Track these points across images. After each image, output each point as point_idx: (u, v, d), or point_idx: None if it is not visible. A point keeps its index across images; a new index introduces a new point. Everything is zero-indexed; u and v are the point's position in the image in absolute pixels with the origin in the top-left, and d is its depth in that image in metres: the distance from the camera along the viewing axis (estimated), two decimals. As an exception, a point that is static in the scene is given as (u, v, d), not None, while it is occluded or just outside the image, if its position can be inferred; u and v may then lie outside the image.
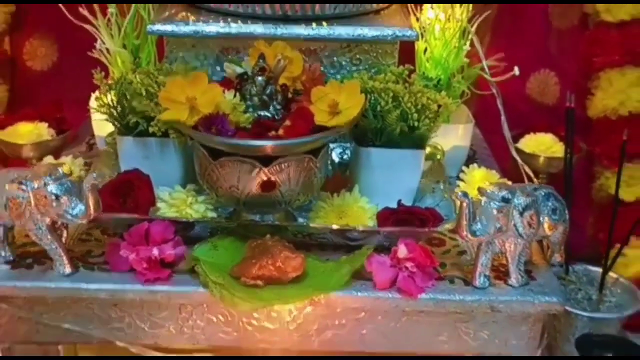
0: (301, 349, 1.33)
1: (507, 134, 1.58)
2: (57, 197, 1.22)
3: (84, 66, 1.67)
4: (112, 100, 1.45)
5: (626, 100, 1.77)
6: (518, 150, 1.70)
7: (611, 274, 1.67)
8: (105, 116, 1.48)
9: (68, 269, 1.29)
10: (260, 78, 1.35)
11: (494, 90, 1.55)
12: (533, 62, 1.91)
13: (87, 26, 1.59)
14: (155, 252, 1.28)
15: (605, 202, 1.82)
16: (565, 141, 1.66)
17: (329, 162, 1.53)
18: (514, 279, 1.31)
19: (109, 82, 1.46)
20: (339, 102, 1.32)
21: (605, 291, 1.64)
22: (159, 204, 1.40)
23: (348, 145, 1.59)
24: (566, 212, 1.33)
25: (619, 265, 1.75)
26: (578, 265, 1.70)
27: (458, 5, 1.60)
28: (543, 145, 1.75)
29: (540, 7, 1.89)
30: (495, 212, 1.25)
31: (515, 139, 1.75)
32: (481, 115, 1.77)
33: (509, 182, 1.42)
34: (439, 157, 1.58)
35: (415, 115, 1.41)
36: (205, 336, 1.34)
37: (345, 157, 1.60)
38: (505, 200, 1.25)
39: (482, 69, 1.57)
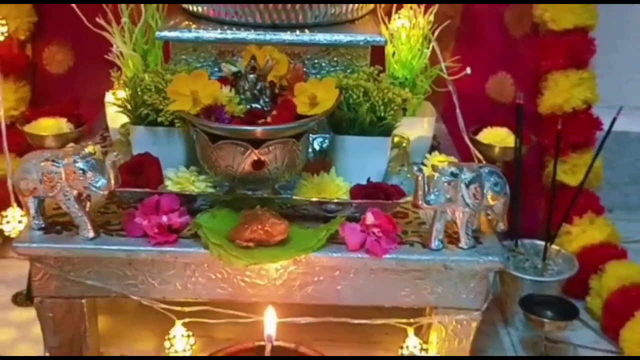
0: (286, 302, 1.58)
1: (461, 122, 1.84)
2: (84, 172, 1.48)
3: (97, 70, 1.95)
4: (125, 95, 1.71)
5: (570, 99, 2.03)
6: (477, 142, 1.96)
7: (554, 246, 1.93)
8: (119, 109, 1.74)
9: (91, 234, 1.54)
10: (251, 76, 1.61)
11: (450, 87, 1.82)
12: (491, 66, 2.16)
13: (104, 33, 1.84)
14: (164, 219, 1.53)
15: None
16: (516, 132, 1.92)
17: (311, 149, 1.78)
18: (463, 242, 1.57)
19: (124, 79, 1.72)
20: (317, 95, 1.58)
21: (548, 261, 1.90)
22: (167, 182, 1.66)
23: (327, 135, 1.83)
24: (507, 186, 1.58)
25: (565, 241, 2.01)
26: (526, 240, 1.95)
27: (421, 15, 1.86)
28: (498, 137, 2.00)
29: (497, 18, 2.15)
30: (445, 185, 1.51)
31: (475, 132, 2.01)
32: (448, 114, 2.03)
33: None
34: (405, 145, 1.83)
35: (383, 107, 1.67)
36: (206, 291, 1.58)
37: (324, 145, 1.84)
38: (454, 175, 1.52)
39: (441, 69, 1.84)
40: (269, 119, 1.58)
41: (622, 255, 1.95)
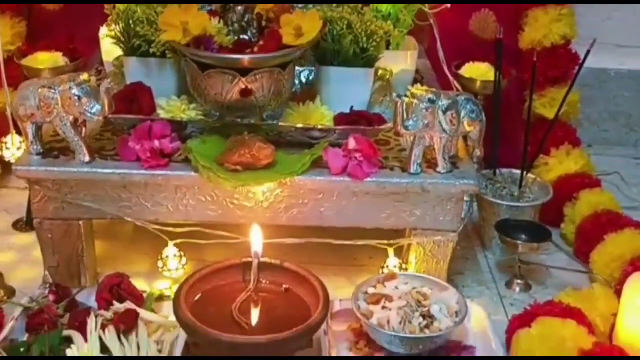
0: (272, 223, 1.66)
1: (442, 54, 1.92)
2: (79, 98, 1.55)
3: (92, 7, 2.00)
4: (119, 27, 1.78)
5: (549, 34, 2.10)
6: (459, 76, 2.04)
7: (531, 175, 2.02)
8: (113, 41, 1.80)
9: (87, 158, 1.62)
10: (240, 8, 1.68)
11: (432, 20, 1.88)
12: (475, 3, 2.23)
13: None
14: (156, 144, 1.61)
15: (532, 121, 2.15)
16: (496, 66, 1.99)
17: (297, 81, 1.85)
18: (440, 167, 1.66)
19: (117, 12, 1.78)
20: (302, 26, 1.65)
21: (525, 189, 1.99)
22: (159, 111, 1.74)
23: (313, 68, 1.89)
24: (482, 114, 1.66)
25: (542, 171, 2.10)
26: (504, 169, 2.04)
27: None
28: (479, 71, 2.07)
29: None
30: (423, 111, 1.59)
31: (458, 68, 2.09)
32: (432, 51, 2.10)
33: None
34: (388, 77, 1.90)
35: (365, 39, 1.74)
36: (196, 213, 1.67)
37: (310, 78, 1.90)
38: (431, 101, 1.59)
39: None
40: (255, 49, 1.65)
41: (596, 184, 2.04)
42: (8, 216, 2.03)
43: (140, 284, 1.68)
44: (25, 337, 1.52)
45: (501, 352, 1.55)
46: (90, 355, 1.39)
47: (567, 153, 2.12)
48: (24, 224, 1.98)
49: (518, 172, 2.01)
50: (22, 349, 1.45)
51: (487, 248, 1.98)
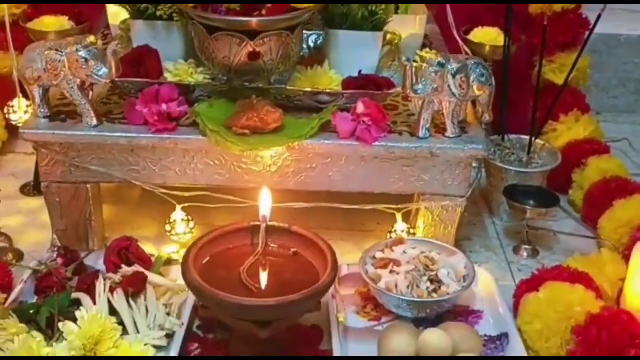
0: (280, 188, 1.66)
1: (450, 17, 1.90)
2: (86, 60, 1.54)
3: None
4: (126, -11, 1.77)
5: (559, -2, 2.09)
6: (468, 41, 2.02)
7: (539, 141, 2.01)
8: (119, 4, 1.79)
9: (94, 121, 1.62)
10: (247, -30, 1.66)
11: (441, -16, 1.87)
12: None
13: None
14: (164, 107, 1.60)
15: (541, 87, 2.14)
16: (505, 30, 1.98)
17: (305, 46, 1.84)
18: (449, 132, 1.65)
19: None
20: (310, -12, 1.64)
21: (533, 155, 1.98)
22: (166, 74, 1.73)
23: (321, 33, 1.88)
24: (492, 78, 1.65)
25: (550, 138, 2.09)
26: (513, 135, 2.03)
27: None
28: (489, 36, 2.05)
29: None
30: (433, 75, 1.58)
31: (467, 32, 2.06)
32: (441, 16, 2.08)
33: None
34: (396, 42, 1.89)
35: (374, 2, 1.73)
36: (204, 177, 1.66)
37: (319, 42, 1.89)
38: (440, 65, 1.58)
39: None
40: (264, 12, 1.63)
41: (605, 150, 2.03)
42: (16, 181, 2.03)
43: (148, 248, 1.68)
44: (34, 300, 1.53)
45: (508, 317, 1.56)
46: (98, 316, 1.40)
47: (576, 119, 2.11)
48: (32, 189, 1.98)
49: (526, 138, 2.00)
50: (31, 311, 1.46)
51: (494, 214, 1.97)
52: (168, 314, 1.50)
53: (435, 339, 1.40)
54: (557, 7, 2.08)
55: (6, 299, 1.51)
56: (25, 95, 1.82)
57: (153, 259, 1.64)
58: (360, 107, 1.61)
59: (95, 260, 1.64)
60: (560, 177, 1.98)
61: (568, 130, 2.09)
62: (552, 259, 1.79)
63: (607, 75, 2.50)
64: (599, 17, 1.89)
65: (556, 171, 1.95)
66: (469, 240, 1.87)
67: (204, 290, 1.36)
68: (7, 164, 2.12)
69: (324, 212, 1.71)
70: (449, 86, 1.59)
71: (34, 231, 1.84)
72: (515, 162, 1.95)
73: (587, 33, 1.98)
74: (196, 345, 1.49)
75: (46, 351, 1.36)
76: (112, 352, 1.38)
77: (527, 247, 1.83)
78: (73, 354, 1.35)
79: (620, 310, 1.47)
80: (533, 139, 1.98)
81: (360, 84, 1.69)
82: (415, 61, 1.84)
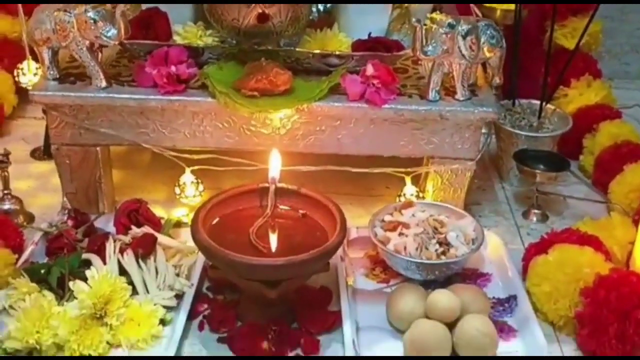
0: (289, 150, 1.65)
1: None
2: (95, 21, 1.54)
3: None
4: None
5: (571, -38, 2.07)
6: (480, 5, 2.00)
7: (550, 106, 1.99)
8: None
9: (104, 83, 1.62)
10: None
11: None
12: None
13: None
14: (173, 69, 1.60)
15: (553, 52, 2.12)
16: (517, -6, 1.96)
17: (315, 9, 1.81)
18: (459, 94, 1.64)
19: None
20: (320, -51, 1.63)
21: (544, 120, 1.96)
22: (175, 37, 1.72)
23: (332, -5, 1.88)
24: (503, 40, 1.63)
25: (562, 103, 2.08)
26: (523, 100, 2.02)
27: None
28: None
29: None
30: (443, 36, 1.57)
31: (478, -4, 2.06)
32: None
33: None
34: (406, 5, 1.87)
35: (384, -37, 1.72)
36: (213, 140, 1.66)
37: (328, 5, 1.87)
38: (451, 26, 1.57)
39: None
40: (273, -27, 1.63)
41: (616, 115, 2.01)
42: (26, 145, 2.04)
43: (157, 212, 1.69)
44: (45, 261, 1.54)
45: (517, 280, 1.56)
46: (109, 276, 1.41)
47: (587, 84, 2.10)
48: (42, 153, 1.98)
49: (537, 103, 1.98)
50: (42, 271, 1.47)
51: (504, 179, 1.97)
52: (177, 275, 1.51)
53: (443, 299, 1.40)
54: (569, -29, 2.06)
55: (17, 260, 1.52)
56: (35, 58, 1.82)
57: (163, 222, 1.65)
58: (369, 69, 1.60)
59: (105, 223, 1.65)
60: (571, 143, 1.97)
61: (579, 95, 2.08)
62: (561, 224, 1.78)
63: (619, 42, 2.47)
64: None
65: (567, 137, 1.94)
66: (478, 205, 1.87)
67: (213, 250, 1.37)
68: (17, 128, 2.12)
69: (332, 176, 1.71)
70: (459, 48, 1.58)
71: (44, 195, 1.84)
72: (526, 127, 1.94)
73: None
74: (205, 305, 1.50)
75: (57, 310, 1.38)
76: (122, 311, 1.39)
77: (536, 211, 1.82)
78: (84, 312, 1.36)
79: (629, 271, 1.47)
80: (544, 103, 1.96)
81: (370, 46, 1.68)
82: (425, 23, 1.84)
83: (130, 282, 1.45)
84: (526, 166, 1.80)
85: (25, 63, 1.94)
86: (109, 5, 1.57)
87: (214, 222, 1.48)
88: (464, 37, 1.57)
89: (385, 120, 1.64)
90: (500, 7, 2.01)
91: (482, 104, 1.63)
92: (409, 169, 1.71)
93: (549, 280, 1.48)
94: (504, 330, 1.46)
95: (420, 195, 1.72)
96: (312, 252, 1.36)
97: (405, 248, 1.53)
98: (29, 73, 1.94)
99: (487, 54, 1.62)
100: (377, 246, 1.57)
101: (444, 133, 1.65)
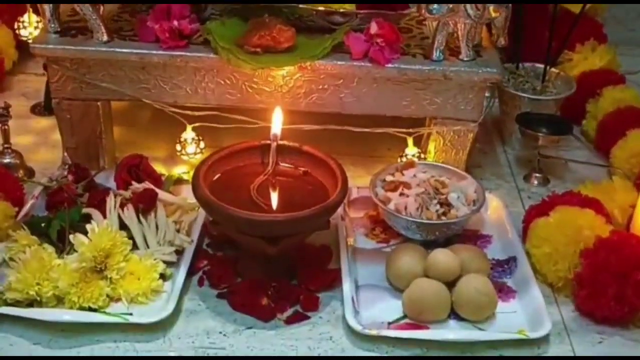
0: (291, 108, 1.65)
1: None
2: (97, -27, 1.53)
3: None
4: None
5: None
6: (485, -33, 1.98)
7: (554, 70, 1.98)
8: None
9: (105, 37, 1.60)
10: None
11: None
12: None
13: None
14: (175, 23, 1.59)
15: (558, 16, 2.10)
16: (522, -44, 1.94)
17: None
18: (463, 54, 1.63)
19: None
20: None
21: (547, 83, 1.95)
22: (177, -8, 1.70)
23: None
24: (509, 0, 1.63)
25: (566, 67, 2.06)
26: (527, 63, 2.00)
27: None
28: (506, -38, 2.02)
29: None
30: (448, -5, 1.56)
31: (484, -42, 2.03)
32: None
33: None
34: (412, -36, 1.86)
35: None
36: (215, 96, 1.65)
37: (333, -37, 1.88)
38: (457, -16, 1.55)
39: None
40: None
41: (620, 80, 2.00)
42: (26, 101, 2.03)
43: (158, 169, 1.68)
44: (45, 215, 1.53)
45: (517, 241, 1.56)
46: (109, 229, 1.40)
47: (592, 49, 2.08)
48: (42, 109, 1.98)
49: (541, 66, 1.97)
50: (42, 224, 1.47)
51: (506, 143, 1.96)
52: (178, 231, 1.51)
53: (443, 258, 1.41)
54: None
55: (18, 213, 1.52)
56: (36, 11, 1.80)
57: (163, 178, 1.64)
58: (373, 28, 1.59)
59: (106, 179, 1.64)
60: (574, 108, 1.96)
61: (584, 59, 2.06)
62: (562, 187, 1.77)
63: (625, 8, 2.45)
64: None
65: (570, 101, 1.93)
66: (479, 168, 1.86)
67: (214, 205, 1.37)
68: (17, 84, 2.11)
69: (334, 137, 1.70)
70: (464, 7, 1.56)
71: (44, 150, 1.84)
72: (529, 90, 1.93)
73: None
74: (205, 262, 1.50)
75: (57, 262, 1.38)
76: (122, 265, 1.39)
77: (537, 175, 1.82)
78: (84, 265, 1.36)
79: (629, 234, 1.47)
80: (548, 67, 1.95)
81: (375, 4, 1.66)
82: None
83: (131, 237, 1.45)
84: (528, 129, 1.79)
85: (26, 16, 1.93)
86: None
87: (215, 177, 1.47)
88: (470, -4, 1.56)
89: (388, 79, 1.63)
90: (506, -31, 1.99)
91: (486, 65, 1.62)
92: (410, 130, 1.70)
93: (549, 242, 1.48)
94: (502, 290, 1.46)
95: (422, 156, 1.72)
96: (313, 209, 1.36)
97: (405, 208, 1.53)
98: (30, 26, 1.92)
99: (493, 14, 1.60)
100: (377, 206, 1.56)
101: (447, 94, 1.64)
